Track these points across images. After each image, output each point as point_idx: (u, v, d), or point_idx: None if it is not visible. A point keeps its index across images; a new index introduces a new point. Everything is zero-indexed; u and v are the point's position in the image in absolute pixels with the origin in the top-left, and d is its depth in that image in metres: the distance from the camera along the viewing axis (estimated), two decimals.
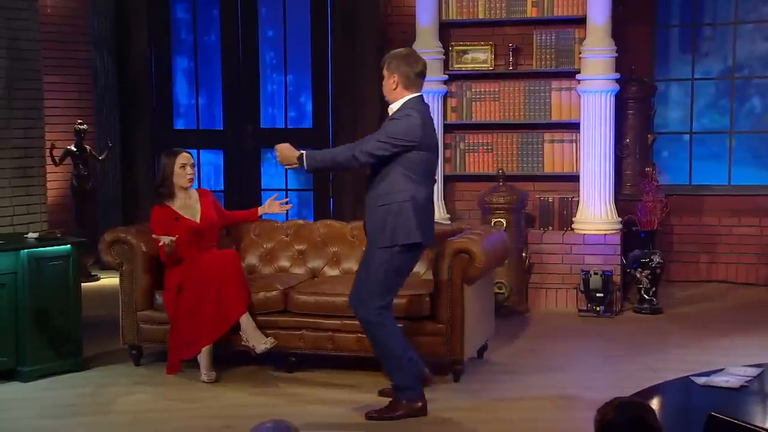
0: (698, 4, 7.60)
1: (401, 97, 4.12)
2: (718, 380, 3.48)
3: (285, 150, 4.15)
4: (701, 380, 3.51)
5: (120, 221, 7.70)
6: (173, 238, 4.76)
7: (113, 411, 4.35)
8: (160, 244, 4.76)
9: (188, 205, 5.02)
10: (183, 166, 4.97)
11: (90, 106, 7.97)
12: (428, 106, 4.22)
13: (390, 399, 4.23)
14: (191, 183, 5.01)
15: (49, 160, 6.89)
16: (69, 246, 4.90)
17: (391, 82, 4.12)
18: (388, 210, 4.04)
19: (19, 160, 5.88)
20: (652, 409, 2.21)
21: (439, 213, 6.62)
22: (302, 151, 4.11)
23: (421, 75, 4.15)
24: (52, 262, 4.81)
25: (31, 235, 4.98)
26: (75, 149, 7.39)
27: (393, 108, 4.15)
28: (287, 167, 4.22)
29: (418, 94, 4.15)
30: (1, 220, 5.74)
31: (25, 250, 4.74)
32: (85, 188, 7.46)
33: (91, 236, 6.74)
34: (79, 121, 7.47)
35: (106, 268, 5.98)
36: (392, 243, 4.05)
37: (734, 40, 7.54)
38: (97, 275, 7.45)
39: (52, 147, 7.11)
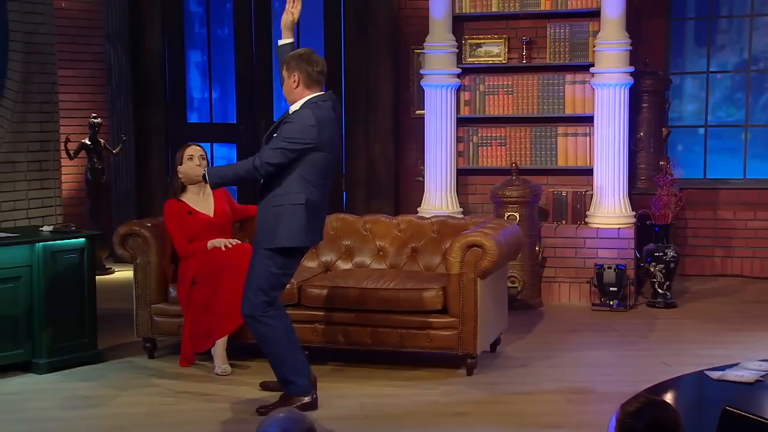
0: None
1: (302, 97, 4.08)
2: (733, 374, 3.47)
3: (189, 170, 4.33)
4: (716, 374, 3.49)
5: (134, 214, 7.73)
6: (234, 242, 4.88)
7: (127, 403, 4.37)
8: (222, 247, 4.83)
9: (201, 198, 5.03)
10: (190, 157, 4.97)
11: (104, 100, 8.01)
12: (331, 104, 4.12)
13: (280, 393, 4.22)
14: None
15: (63, 154, 6.93)
16: (84, 239, 4.93)
17: (291, 82, 4.09)
18: (281, 212, 4.03)
19: (35, 154, 5.92)
20: (676, 411, 2.17)
21: (452, 206, 6.63)
22: (203, 170, 4.21)
23: (322, 74, 4.11)
24: (67, 255, 4.84)
25: (46, 228, 5.01)
26: (89, 143, 7.43)
27: (293, 109, 4.11)
28: (189, 184, 4.44)
29: (320, 92, 4.11)
30: (16, 213, 5.78)
31: (40, 243, 4.76)
32: (100, 181, 7.50)
33: (106, 229, 6.79)
34: (93, 114, 7.51)
35: (121, 261, 6.01)
36: (279, 245, 4.04)
37: (750, 32, 7.48)
38: (111, 268, 7.49)
39: (67, 140, 7.15)
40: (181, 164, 4.98)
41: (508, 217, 6.14)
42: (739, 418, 2.35)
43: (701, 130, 7.62)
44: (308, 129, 3.99)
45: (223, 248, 4.84)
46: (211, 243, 4.87)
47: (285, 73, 4.13)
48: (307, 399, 4.15)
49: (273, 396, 4.29)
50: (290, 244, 4.05)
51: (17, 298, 4.72)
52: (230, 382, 4.64)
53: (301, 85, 4.08)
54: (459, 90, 6.71)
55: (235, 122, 8.23)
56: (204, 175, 4.13)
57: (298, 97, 4.10)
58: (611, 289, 6.19)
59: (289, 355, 4.15)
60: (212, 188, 4.42)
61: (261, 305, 4.09)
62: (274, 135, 4.08)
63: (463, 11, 6.68)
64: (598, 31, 6.41)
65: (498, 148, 6.73)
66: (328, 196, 4.21)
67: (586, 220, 6.50)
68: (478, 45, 6.73)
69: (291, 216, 4.02)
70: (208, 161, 5.12)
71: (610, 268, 6.19)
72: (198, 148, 5.07)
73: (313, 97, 4.08)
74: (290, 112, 4.12)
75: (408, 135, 7.63)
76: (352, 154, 7.73)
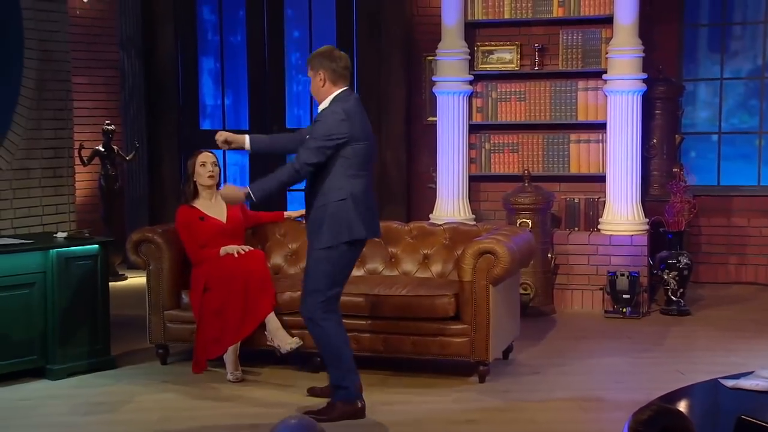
0: (727, 2, 7.53)
1: (330, 94, 4.11)
2: (747, 383, 3.44)
3: (230, 193, 4.18)
4: (730, 383, 3.47)
5: (147, 221, 7.76)
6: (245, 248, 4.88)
7: (140, 409, 4.39)
8: (235, 254, 4.83)
9: (214, 204, 5.05)
10: (203, 164, 5.01)
11: (118, 107, 8.05)
12: (357, 97, 4.17)
13: (327, 399, 4.21)
14: (212, 181, 5.04)
15: (77, 161, 6.97)
16: (97, 245, 4.95)
17: (317, 81, 4.13)
18: (325, 209, 4.04)
19: (49, 161, 5.95)
20: (689, 420, 2.15)
21: (464, 213, 6.62)
22: (246, 188, 4.12)
23: (346, 69, 4.15)
24: (80, 261, 4.86)
25: (60, 234, 5.03)
26: (103, 149, 7.47)
27: (322, 107, 4.14)
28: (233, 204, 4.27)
29: (346, 87, 4.14)
30: (30, 219, 5.80)
31: (54, 250, 4.79)
32: (113, 188, 7.53)
33: (119, 236, 6.81)
34: (107, 121, 7.55)
35: (134, 267, 6.04)
36: (335, 242, 4.03)
37: (764, 39, 7.45)
38: (124, 274, 7.52)
39: (81, 147, 7.19)
40: (193, 172, 5.01)
41: (520, 224, 6.13)
42: (755, 426, 2.34)
43: (715, 137, 7.59)
44: (340, 123, 4.02)
45: (236, 255, 4.85)
46: (224, 249, 4.88)
47: (310, 74, 4.16)
48: (354, 407, 4.14)
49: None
50: (351, 237, 4.03)
51: (31, 305, 4.74)
52: (242, 388, 4.65)
53: (327, 82, 4.11)
54: (471, 97, 6.71)
55: (247, 129, 8.25)
56: (248, 194, 4.09)
57: (325, 95, 4.14)
58: (624, 296, 6.17)
59: (340, 360, 4.14)
60: (259, 203, 4.37)
61: (319, 306, 4.09)
62: (308, 137, 4.11)
63: (476, 18, 6.68)
64: (610, 38, 6.40)
65: (510, 154, 6.72)
66: (372, 188, 4.20)
67: (599, 227, 6.48)
68: (491, 52, 6.73)
69: (336, 212, 4.02)
70: (220, 167, 5.15)
71: (623, 275, 6.16)
72: (210, 154, 5.09)
73: (339, 93, 4.12)
74: (320, 110, 4.16)
75: (420, 141, 7.63)
76: None
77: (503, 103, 6.70)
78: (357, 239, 4.10)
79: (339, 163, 4.03)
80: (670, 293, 6.28)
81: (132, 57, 8.01)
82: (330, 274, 4.09)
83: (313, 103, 8.18)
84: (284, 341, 4.71)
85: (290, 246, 5.44)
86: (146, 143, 8.05)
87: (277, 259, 5.42)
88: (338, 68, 4.11)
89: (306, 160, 4.04)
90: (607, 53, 6.40)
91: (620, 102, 6.35)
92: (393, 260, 5.27)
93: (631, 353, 5.37)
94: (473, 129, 6.75)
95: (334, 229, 4.04)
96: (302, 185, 4.26)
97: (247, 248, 4.93)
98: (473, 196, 6.79)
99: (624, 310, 6.16)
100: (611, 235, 6.38)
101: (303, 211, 5.34)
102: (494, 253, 4.58)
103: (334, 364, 4.16)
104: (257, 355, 4.95)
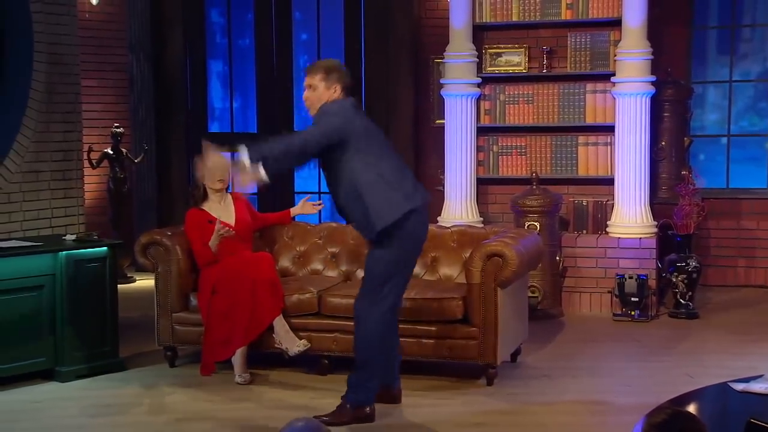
0: (736, 5, 7.51)
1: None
2: (757, 387, 3.43)
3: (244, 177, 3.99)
4: (739, 386, 3.45)
5: (155, 223, 7.78)
6: (231, 233, 4.87)
7: (149, 411, 4.40)
8: (221, 232, 4.82)
9: (222, 207, 5.06)
10: None
11: (126, 110, 8.08)
12: (352, 100, 4.18)
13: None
14: (223, 185, 5.05)
15: (86, 163, 7.00)
16: (106, 248, 4.97)
17: (330, 91, 4.11)
18: (361, 198, 3.98)
19: (58, 163, 5.97)
20: (703, 423, 2.14)
21: (472, 216, 6.62)
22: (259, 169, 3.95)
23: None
24: (89, 263, 4.88)
25: (68, 236, 5.05)
26: (112, 152, 7.49)
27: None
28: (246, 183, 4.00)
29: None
30: (39, 222, 5.83)
31: (63, 252, 4.80)
32: (122, 190, 7.56)
33: (128, 238, 6.83)
34: (115, 124, 7.57)
35: (142, 269, 6.05)
36: (384, 224, 3.96)
37: None
38: (133, 277, 7.53)
39: (90, 150, 7.22)
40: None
41: (528, 226, 6.12)
42: (764, 430, 2.32)
43: (724, 140, 7.57)
44: (334, 115, 4.02)
45: (220, 231, 4.82)
46: (212, 244, 4.86)
47: (322, 83, 4.12)
48: (364, 411, 4.13)
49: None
50: (396, 216, 3.96)
51: (40, 307, 4.76)
52: (250, 390, 4.65)
53: (338, 93, 4.13)
54: (479, 99, 6.71)
55: (255, 132, 8.27)
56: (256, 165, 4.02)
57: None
58: (632, 299, 6.15)
59: (376, 365, 4.13)
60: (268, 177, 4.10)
61: (367, 305, 4.07)
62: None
63: (484, 20, 6.68)
64: (619, 41, 6.39)
65: (518, 157, 6.72)
66: (402, 165, 4.13)
67: (607, 229, 6.46)
68: (499, 54, 6.73)
69: (372, 196, 3.96)
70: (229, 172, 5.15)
71: (631, 278, 6.15)
72: None
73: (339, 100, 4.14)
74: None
75: (427, 144, 7.64)
76: None
77: (511, 105, 6.70)
78: (407, 211, 3.97)
79: (354, 157, 3.99)
80: (678, 296, 6.27)
81: (141, 60, 8.04)
82: (383, 272, 4.05)
83: None
84: (292, 344, 4.72)
85: (298, 249, 5.45)
86: (155, 146, 8.07)
87: (284, 262, 5.42)
88: (348, 81, 4.20)
89: (311, 132, 3.99)
90: (615, 56, 6.39)
91: (629, 104, 6.34)
92: None
93: (639, 356, 5.36)
94: (481, 131, 6.75)
95: (380, 213, 3.95)
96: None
97: (223, 229, 4.86)
98: (481, 199, 6.79)
99: (632, 313, 6.14)
100: (620, 237, 6.36)
101: (304, 200, 5.31)
102: (502, 255, 4.57)
103: (365, 365, 4.13)
104: (265, 358, 4.95)
